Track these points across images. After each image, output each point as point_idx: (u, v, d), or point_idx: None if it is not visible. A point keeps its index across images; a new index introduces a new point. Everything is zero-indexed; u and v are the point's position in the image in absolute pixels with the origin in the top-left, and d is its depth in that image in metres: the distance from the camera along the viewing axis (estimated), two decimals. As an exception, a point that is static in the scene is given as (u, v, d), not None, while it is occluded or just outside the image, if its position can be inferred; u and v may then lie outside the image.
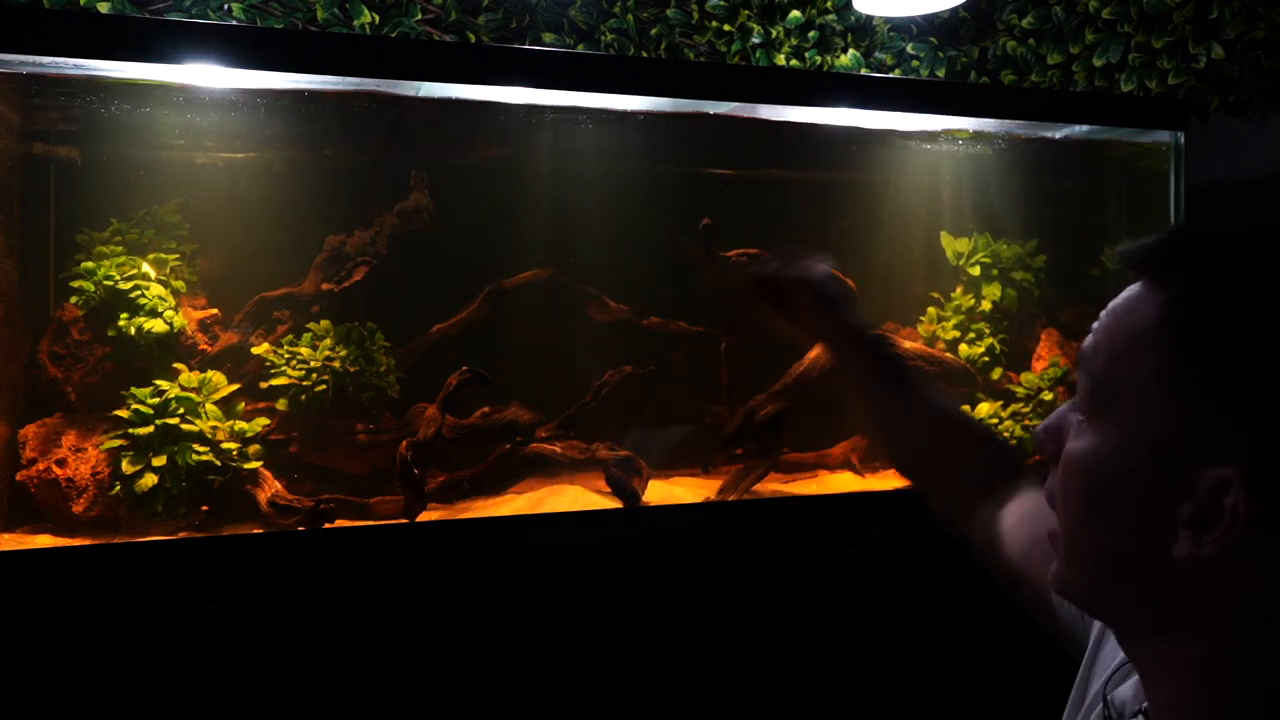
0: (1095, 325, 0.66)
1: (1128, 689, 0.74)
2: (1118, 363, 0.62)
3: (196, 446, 1.88)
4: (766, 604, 1.95)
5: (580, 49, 2.35)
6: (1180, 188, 2.43)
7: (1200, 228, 0.63)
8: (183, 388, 1.92)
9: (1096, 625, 0.82)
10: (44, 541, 1.83)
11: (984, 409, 2.42)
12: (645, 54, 2.40)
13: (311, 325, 2.12)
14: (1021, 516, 0.95)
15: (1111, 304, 0.65)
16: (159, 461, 1.85)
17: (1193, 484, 0.58)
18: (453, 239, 2.31)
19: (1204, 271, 0.60)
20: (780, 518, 2.07)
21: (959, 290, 2.62)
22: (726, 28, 2.45)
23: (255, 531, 1.88)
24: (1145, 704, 0.69)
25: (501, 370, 2.12)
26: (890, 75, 2.63)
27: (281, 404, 2.05)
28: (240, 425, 1.95)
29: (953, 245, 2.62)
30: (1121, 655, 0.74)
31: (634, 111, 2.20)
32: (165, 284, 2.02)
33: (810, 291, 1.21)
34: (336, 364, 2.07)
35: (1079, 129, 2.48)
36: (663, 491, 2.22)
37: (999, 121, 2.42)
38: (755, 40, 2.46)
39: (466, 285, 2.29)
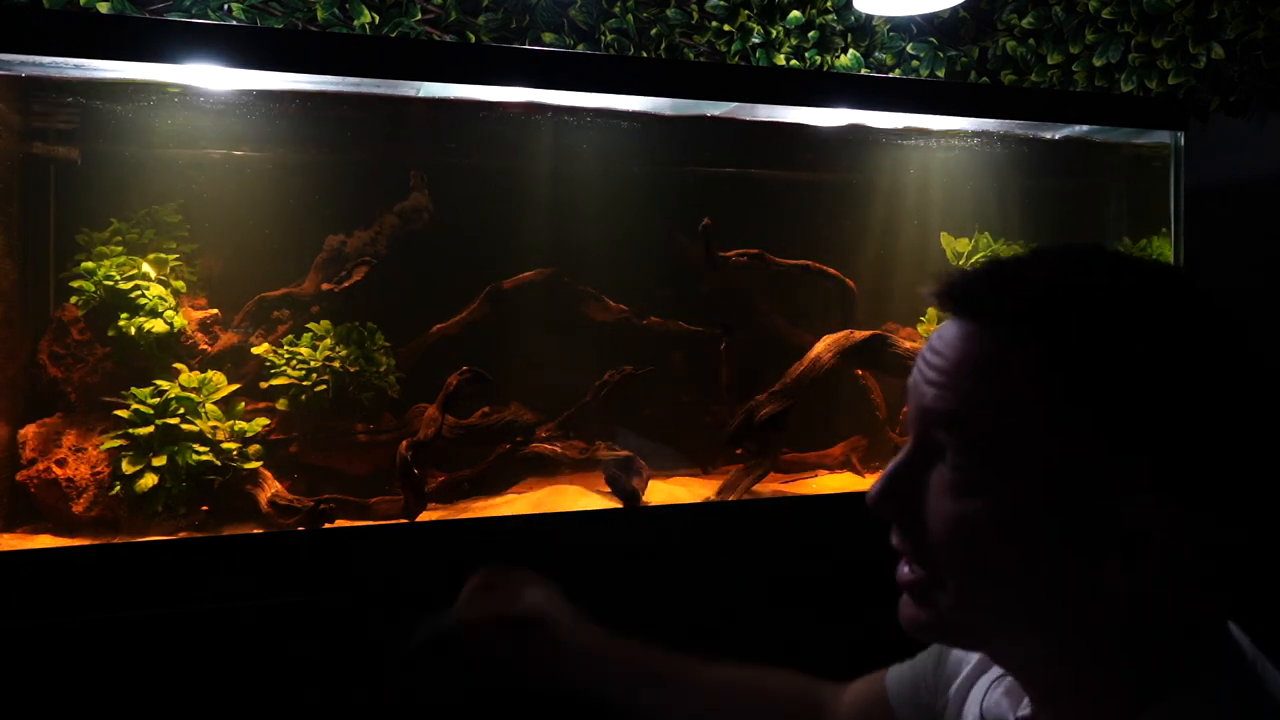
0: (935, 378, 0.63)
1: (997, 698, 0.75)
2: (1002, 418, 0.60)
3: (196, 446, 1.88)
4: (766, 604, 1.95)
5: (580, 49, 2.35)
6: (1180, 188, 2.43)
7: (1026, 263, 0.62)
8: (183, 388, 1.92)
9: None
10: (44, 541, 1.83)
11: (984, 409, 2.42)
12: (645, 54, 2.40)
13: (311, 325, 2.12)
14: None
15: (950, 354, 0.63)
16: (159, 461, 1.85)
17: (1116, 520, 0.59)
18: (453, 239, 2.31)
19: (1073, 305, 0.59)
20: (780, 518, 2.07)
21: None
22: (726, 28, 2.45)
23: (255, 531, 1.88)
24: (1026, 711, 0.70)
25: (501, 370, 2.12)
26: (890, 75, 2.63)
27: (281, 404, 2.05)
28: (240, 425, 1.95)
29: (952, 245, 2.62)
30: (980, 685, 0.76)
31: (634, 111, 2.20)
32: (165, 284, 2.02)
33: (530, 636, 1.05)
34: (336, 364, 2.07)
35: (1079, 129, 2.48)
36: (663, 491, 2.22)
37: (999, 121, 2.42)
38: (755, 40, 2.46)
39: (466, 285, 2.29)
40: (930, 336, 0.66)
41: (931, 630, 0.66)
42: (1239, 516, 0.60)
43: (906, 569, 0.68)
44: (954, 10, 2.65)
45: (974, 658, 0.83)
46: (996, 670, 0.78)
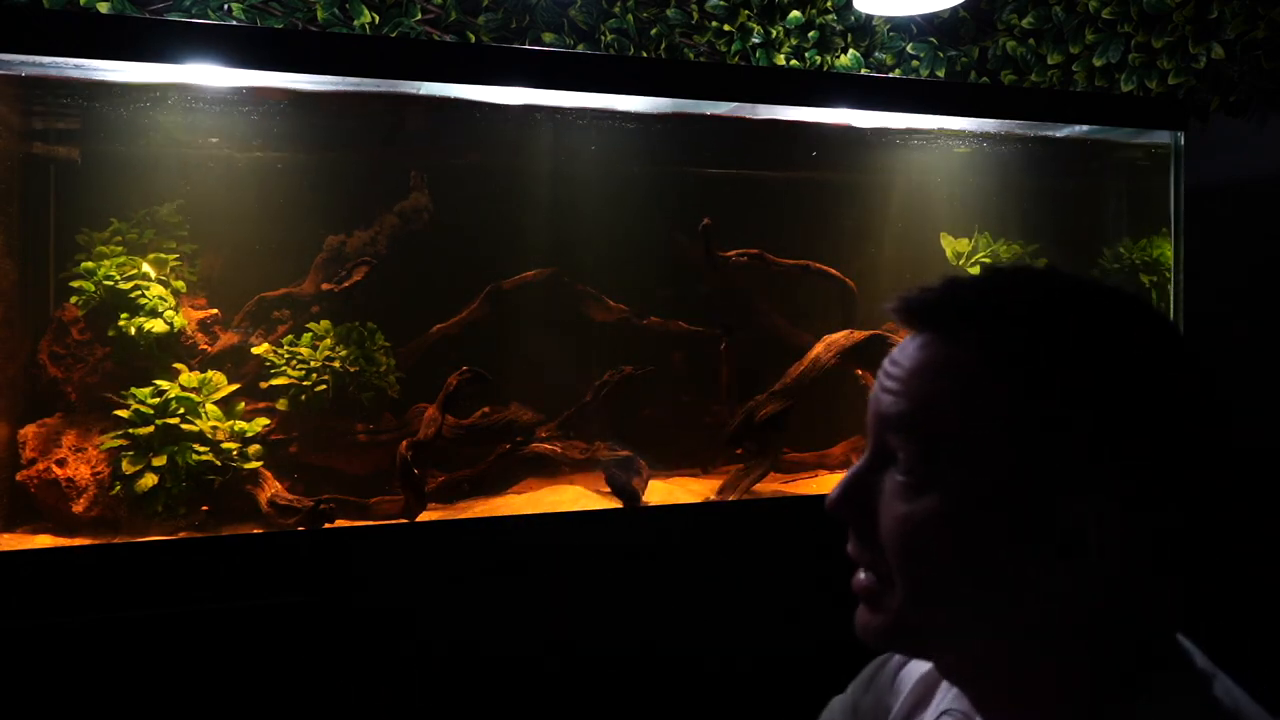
0: (891, 386, 0.66)
1: None
2: (950, 421, 0.63)
3: (196, 446, 1.88)
4: (766, 604, 1.95)
5: (580, 49, 2.35)
6: (1180, 188, 2.43)
7: (978, 281, 0.65)
8: (183, 388, 1.92)
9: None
10: (44, 541, 1.83)
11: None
12: (645, 54, 2.40)
13: (311, 325, 2.12)
14: None
15: (907, 364, 0.66)
16: (159, 461, 1.85)
17: (1055, 519, 0.61)
18: (453, 239, 2.31)
19: (1014, 318, 0.62)
20: (780, 518, 2.07)
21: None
22: (726, 28, 2.45)
23: (255, 531, 1.88)
24: None
25: (501, 370, 2.12)
26: (890, 75, 2.63)
27: (281, 404, 2.05)
28: (240, 425, 1.95)
29: (952, 245, 2.62)
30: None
31: (634, 111, 2.20)
32: (165, 284, 2.02)
33: None
34: (336, 364, 2.07)
35: (1079, 129, 2.48)
36: (663, 491, 2.22)
37: (999, 121, 2.42)
38: (755, 40, 2.46)
39: (466, 285, 2.30)
40: (892, 350, 0.69)
41: (884, 635, 0.68)
42: (1176, 520, 0.62)
43: (861, 575, 0.69)
44: (954, 10, 2.65)
45: (908, 685, 0.83)
46: (939, 707, 0.78)
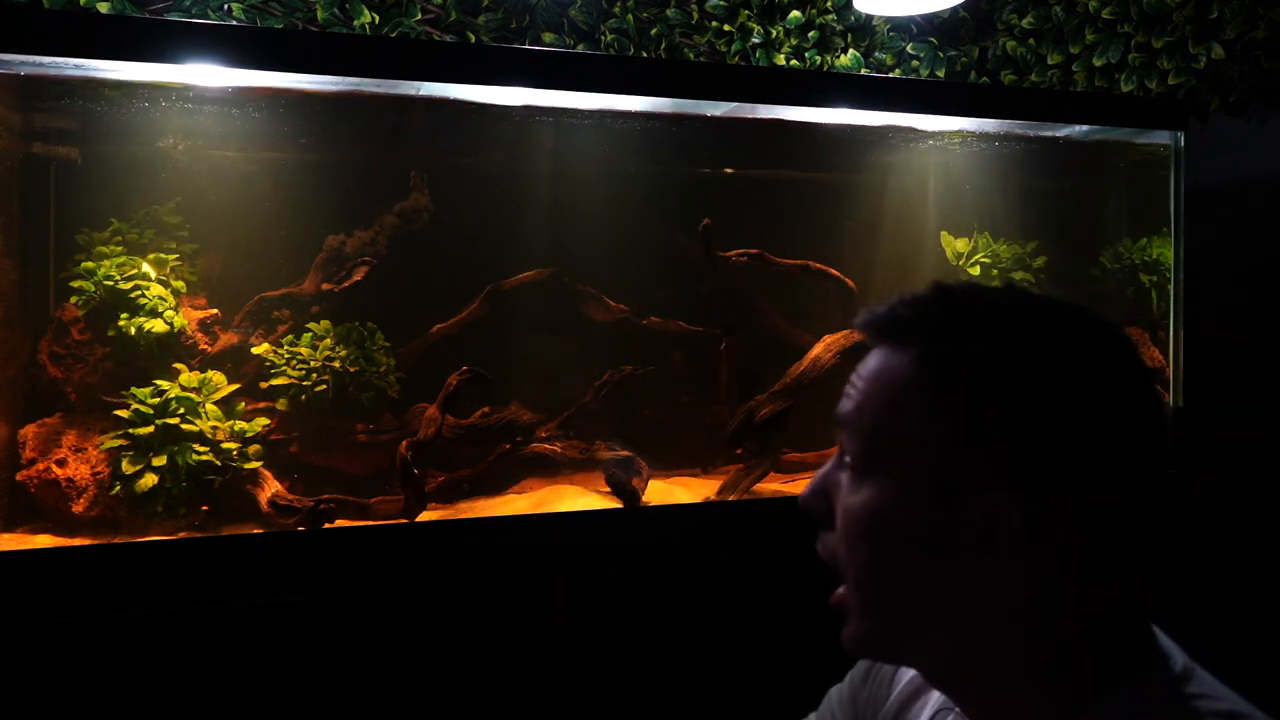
0: (849, 390, 0.73)
1: None
2: (884, 420, 0.69)
3: (196, 446, 1.88)
4: (766, 604, 1.95)
5: (580, 49, 2.35)
6: (1180, 188, 2.43)
7: (925, 297, 0.72)
8: (183, 388, 1.92)
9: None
10: (44, 541, 1.83)
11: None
12: (645, 54, 2.40)
13: (311, 325, 2.12)
14: None
15: (862, 370, 0.72)
16: (159, 461, 1.85)
17: (968, 515, 0.65)
18: (453, 239, 2.31)
19: (944, 332, 0.68)
20: (780, 518, 2.07)
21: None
22: (726, 28, 2.45)
23: (255, 531, 1.88)
24: None
25: (501, 370, 2.12)
26: (890, 75, 2.63)
27: (281, 404, 2.05)
28: (240, 425, 1.95)
29: (952, 245, 2.62)
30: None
31: (634, 111, 2.20)
32: (165, 284, 2.02)
33: None
34: (336, 364, 2.07)
35: (1079, 129, 2.48)
36: (663, 491, 2.22)
37: (999, 121, 2.42)
38: (755, 40, 2.46)
39: (466, 285, 2.30)
40: None
41: (855, 643, 0.73)
42: (1106, 522, 0.66)
43: (840, 589, 0.74)
44: (954, 10, 2.65)
45: (904, 680, 0.86)
46: (935, 704, 0.82)
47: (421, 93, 1.98)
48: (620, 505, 2.07)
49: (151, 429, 1.87)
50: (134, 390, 1.89)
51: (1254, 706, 0.67)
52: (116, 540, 1.81)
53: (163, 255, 2.03)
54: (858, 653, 0.73)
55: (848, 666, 1.04)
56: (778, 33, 2.49)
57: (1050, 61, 2.68)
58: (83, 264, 1.95)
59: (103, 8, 2.01)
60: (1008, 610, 0.66)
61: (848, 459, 0.72)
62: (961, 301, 0.70)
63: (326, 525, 1.86)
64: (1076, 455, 0.64)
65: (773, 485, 2.28)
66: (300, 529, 1.85)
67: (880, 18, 2.60)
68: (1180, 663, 0.69)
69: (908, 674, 0.86)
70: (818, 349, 2.30)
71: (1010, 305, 0.69)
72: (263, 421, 2.00)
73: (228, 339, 2.09)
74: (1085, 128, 2.47)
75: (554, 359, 2.41)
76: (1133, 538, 0.67)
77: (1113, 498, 0.65)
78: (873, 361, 0.72)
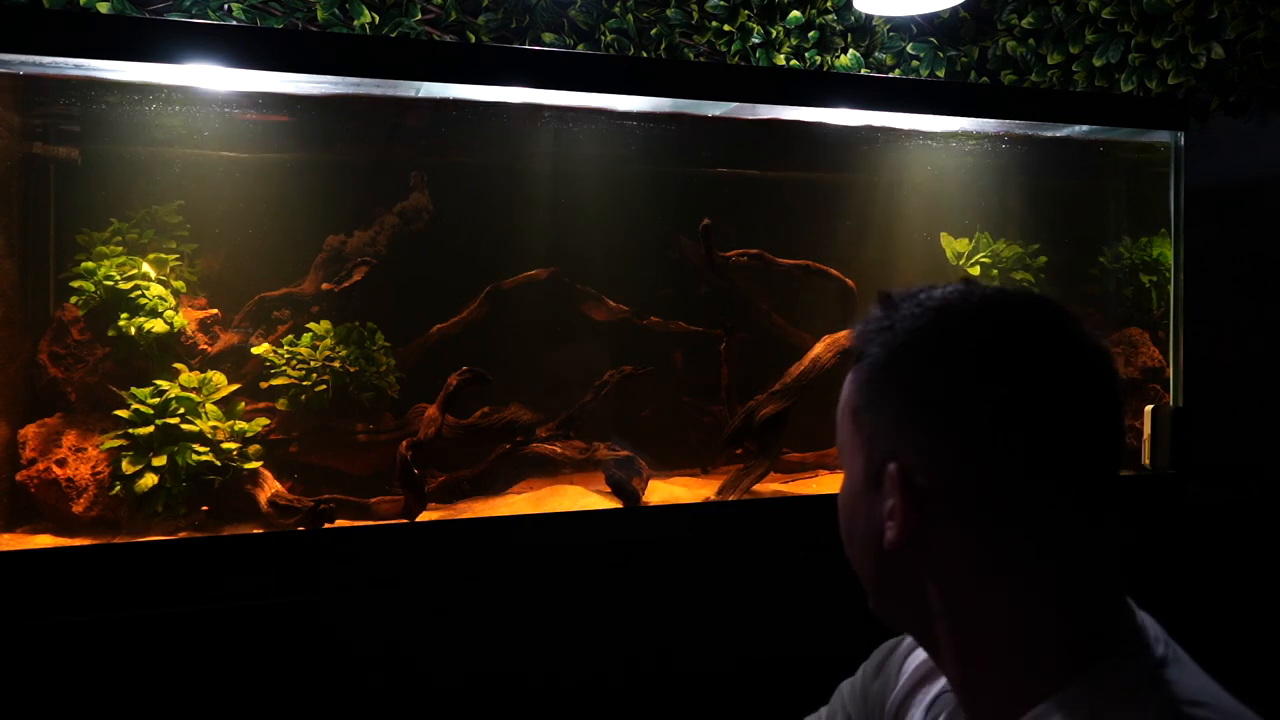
0: None
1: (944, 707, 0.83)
2: (840, 420, 0.79)
3: (196, 446, 1.89)
4: (766, 604, 1.95)
5: (580, 49, 2.35)
6: (1180, 188, 2.43)
7: (880, 308, 0.79)
8: (183, 388, 1.92)
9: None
10: (44, 541, 1.83)
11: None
12: (645, 54, 2.40)
13: (311, 325, 2.12)
14: None
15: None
16: (159, 461, 1.85)
17: (884, 487, 0.73)
18: (453, 239, 2.31)
19: (870, 339, 0.76)
20: (780, 518, 2.07)
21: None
22: (726, 28, 2.45)
23: (255, 531, 1.88)
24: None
25: (501, 370, 2.12)
26: (890, 75, 2.63)
27: (281, 404, 2.05)
28: (240, 425, 1.95)
29: (952, 245, 2.62)
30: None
31: (634, 111, 2.20)
32: (165, 284, 2.02)
33: None
34: (336, 364, 2.07)
35: (1079, 129, 2.48)
36: (663, 491, 2.22)
37: (999, 121, 2.42)
38: (755, 40, 2.46)
39: (466, 285, 2.30)
40: None
41: (874, 613, 0.81)
42: (997, 489, 0.69)
43: None
44: (954, 10, 2.65)
45: (903, 681, 0.90)
46: (936, 686, 0.86)
47: (421, 93, 1.98)
48: (620, 505, 2.07)
49: (151, 429, 1.87)
50: (134, 390, 1.89)
51: (1231, 696, 0.68)
52: (116, 540, 1.81)
53: (163, 255, 2.03)
54: (880, 618, 0.81)
55: (846, 663, 1.04)
56: (778, 33, 2.49)
57: (1050, 61, 2.68)
58: (83, 264, 1.95)
59: (103, 8, 2.01)
60: (951, 588, 0.71)
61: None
62: (883, 310, 0.77)
63: (326, 525, 1.86)
64: (972, 420, 0.69)
65: (773, 485, 2.29)
66: (300, 529, 1.85)
67: (880, 18, 2.60)
68: (1161, 649, 0.70)
69: (916, 660, 0.90)
70: (818, 349, 2.30)
71: (911, 301, 0.75)
72: (263, 421, 2.00)
73: (228, 339, 2.09)
74: (1085, 128, 2.47)
75: (554, 359, 2.41)
76: (1064, 514, 0.70)
77: (1015, 458, 0.69)
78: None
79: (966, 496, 0.69)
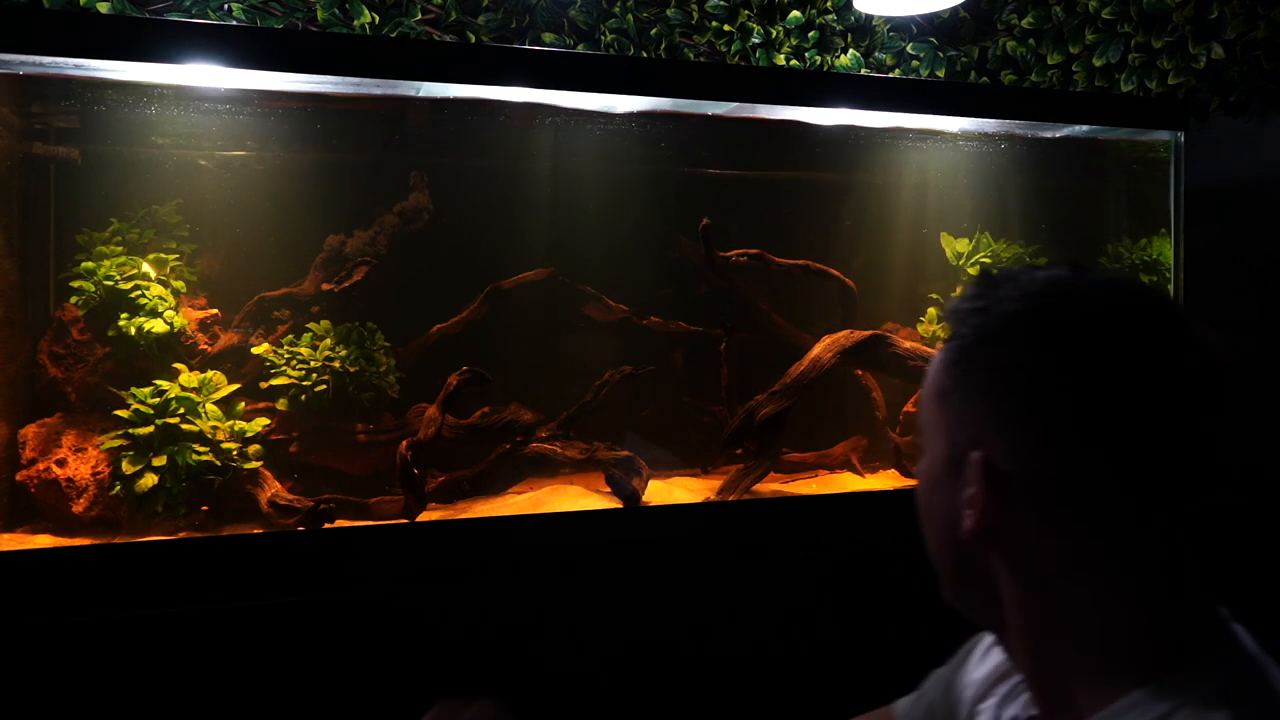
0: None
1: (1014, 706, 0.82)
2: (924, 400, 0.77)
3: (197, 446, 1.88)
4: (766, 604, 1.95)
5: (580, 49, 2.35)
6: (1180, 188, 2.43)
7: (968, 295, 0.77)
8: (183, 388, 1.92)
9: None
10: (44, 541, 1.83)
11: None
12: (645, 54, 2.40)
13: (311, 325, 2.12)
14: None
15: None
16: (159, 461, 1.85)
17: (966, 473, 0.71)
18: (453, 239, 2.31)
19: (963, 319, 0.74)
20: (780, 518, 2.07)
21: (959, 290, 2.62)
22: (726, 28, 2.45)
23: (255, 531, 1.88)
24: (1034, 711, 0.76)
25: (501, 370, 2.12)
26: (890, 75, 2.63)
27: (281, 404, 2.05)
28: (240, 425, 1.95)
29: (952, 245, 2.62)
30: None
31: (634, 111, 2.20)
32: (165, 284, 2.02)
33: None
34: (336, 364, 2.07)
35: (1079, 129, 2.48)
36: (663, 491, 2.22)
37: (999, 121, 2.42)
38: (755, 40, 2.46)
39: (466, 285, 2.30)
40: None
41: (947, 602, 0.78)
42: (1082, 482, 0.68)
43: None
44: (954, 10, 2.65)
45: (982, 674, 0.88)
46: (1013, 680, 0.83)
47: (421, 93, 1.98)
48: (620, 505, 2.07)
49: (151, 429, 1.87)
50: (134, 390, 1.89)
51: None
52: (116, 540, 1.81)
53: (163, 255, 2.03)
54: (951, 607, 0.79)
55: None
56: (778, 33, 2.49)
57: (1050, 61, 2.68)
58: (83, 264, 1.95)
59: (103, 8, 2.01)
60: (1027, 580, 0.70)
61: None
62: (979, 290, 0.74)
63: (326, 525, 1.86)
64: (1060, 412, 0.67)
65: (773, 485, 2.28)
66: (300, 529, 1.85)
67: (880, 18, 2.60)
68: (1245, 661, 0.68)
69: (998, 654, 0.89)
70: (818, 349, 2.30)
71: (1011, 283, 0.73)
72: (263, 421, 2.00)
73: (228, 339, 2.09)
74: (1085, 128, 2.47)
75: (554, 359, 2.41)
76: (1149, 516, 0.67)
77: (1101, 455, 0.67)
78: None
79: (1048, 489, 0.68)
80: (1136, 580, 0.68)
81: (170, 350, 2.00)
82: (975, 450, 0.69)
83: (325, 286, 2.16)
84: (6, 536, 1.85)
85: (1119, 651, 0.67)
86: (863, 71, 2.56)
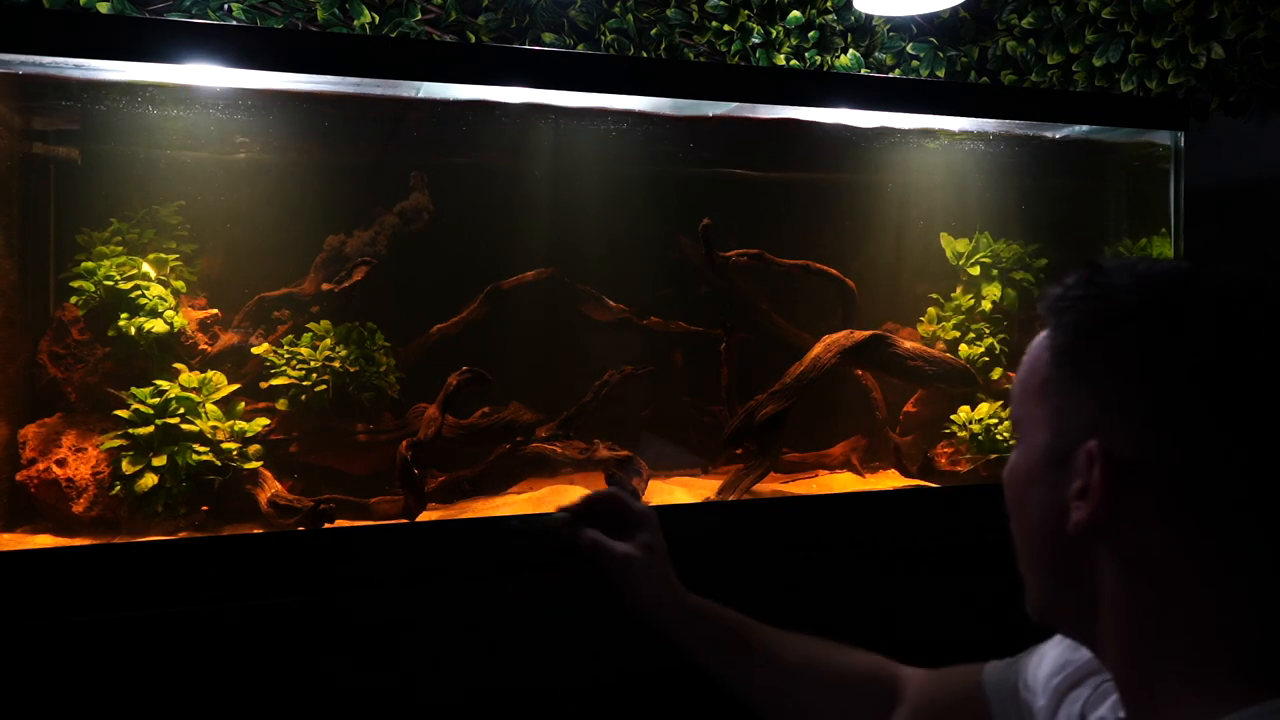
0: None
1: (1101, 701, 0.78)
2: (1023, 391, 0.74)
3: (196, 446, 1.89)
4: (766, 604, 1.95)
5: (580, 49, 2.35)
6: (1180, 188, 2.43)
7: (1073, 277, 0.74)
8: (183, 388, 1.92)
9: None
10: (44, 541, 1.83)
11: (983, 409, 2.43)
12: (645, 54, 2.40)
13: (311, 325, 2.12)
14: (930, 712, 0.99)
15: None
16: (159, 461, 1.85)
17: (1076, 464, 0.67)
18: (453, 239, 2.31)
19: (1068, 304, 0.71)
20: (780, 518, 2.07)
21: (959, 290, 2.62)
22: (726, 28, 2.45)
23: (255, 531, 1.88)
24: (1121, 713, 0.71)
25: (501, 370, 2.12)
26: (890, 75, 2.63)
27: (281, 404, 2.05)
28: (240, 425, 1.95)
29: (952, 245, 2.62)
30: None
31: (634, 111, 2.20)
32: (165, 284, 2.02)
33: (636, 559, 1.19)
34: (336, 364, 2.07)
35: (1079, 129, 2.48)
36: (663, 491, 2.22)
37: (999, 121, 2.42)
38: (755, 40, 2.46)
39: (466, 285, 2.29)
40: None
41: (1031, 610, 0.74)
42: (1197, 480, 0.64)
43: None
44: (954, 10, 2.65)
45: (1077, 661, 0.84)
46: (1104, 675, 0.80)
47: (421, 93, 1.98)
48: (620, 505, 2.06)
49: (151, 429, 1.87)
50: (134, 390, 1.89)
51: None
52: (116, 540, 1.81)
53: (163, 255, 2.03)
54: (1035, 619, 0.75)
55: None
56: (778, 33, 2.49)
57: (1050, 61, 2.68)
58: (83, 264, 1.95)
59: (103, 8, 2.01)
60: (1136, 579, 0.66)
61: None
62: (1089, 276, 0.72)
63: (326, 525, 1.86)
64: (1187, 399, 0.64)
65: (773, 485, 2.28)
66: (300, 529, 1.85)
67: (880, 18, 2.60)
68: None
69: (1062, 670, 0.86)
70: (818, 349, 2.30)
71: (1126, 271, 0.70)
72: (263, 421, 2.00)
73: (228, 339, 2.09)
74: (1085, 128, 2.47)
75: (554, 359, 2.41)
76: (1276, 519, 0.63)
77: (1228, 445, 0.63)
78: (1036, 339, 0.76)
79: (1168, 479, 0.64)
80: (1248, 583, 0.63)
81: (170, 350, 2.00)
82: (1091, 440, 0.66)
83: (325, 286, 2.16)
84: (6, 536, 1.85)
85: (1226, 664, 0.63)
86: (863, 71, 2.56)
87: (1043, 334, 0.73)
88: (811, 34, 2.52)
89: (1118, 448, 0.65)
